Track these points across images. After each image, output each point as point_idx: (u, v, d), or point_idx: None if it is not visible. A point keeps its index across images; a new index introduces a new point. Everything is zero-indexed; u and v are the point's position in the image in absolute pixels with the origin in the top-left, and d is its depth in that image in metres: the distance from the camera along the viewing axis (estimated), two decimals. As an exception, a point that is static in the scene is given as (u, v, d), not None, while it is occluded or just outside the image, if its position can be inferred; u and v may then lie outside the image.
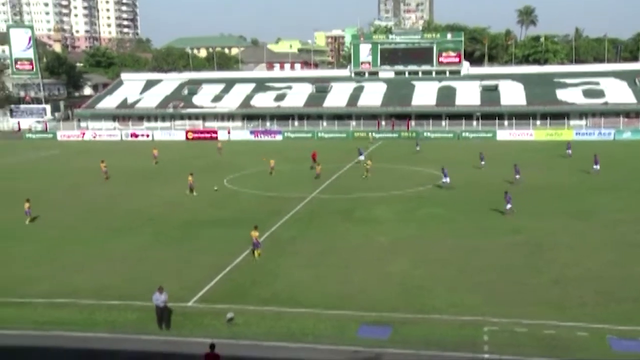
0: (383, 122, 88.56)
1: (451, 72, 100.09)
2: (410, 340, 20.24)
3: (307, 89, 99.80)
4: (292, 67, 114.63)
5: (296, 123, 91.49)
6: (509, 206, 36.18)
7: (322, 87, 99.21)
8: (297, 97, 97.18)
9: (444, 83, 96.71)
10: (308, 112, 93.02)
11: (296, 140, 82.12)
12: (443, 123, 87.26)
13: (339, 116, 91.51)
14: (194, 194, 44.57)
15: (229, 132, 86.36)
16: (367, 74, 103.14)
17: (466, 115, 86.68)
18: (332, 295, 24.40)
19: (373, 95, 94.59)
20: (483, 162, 54.68)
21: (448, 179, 44.62)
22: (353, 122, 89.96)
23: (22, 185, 50.63)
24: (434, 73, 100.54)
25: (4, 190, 48.56)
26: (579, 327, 20.89)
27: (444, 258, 28.97)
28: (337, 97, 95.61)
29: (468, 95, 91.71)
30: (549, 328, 20.90)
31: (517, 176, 45.58)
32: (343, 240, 32.35)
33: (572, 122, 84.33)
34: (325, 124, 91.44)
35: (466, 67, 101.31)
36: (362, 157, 57.00)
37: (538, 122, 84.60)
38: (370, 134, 79.39)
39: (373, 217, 37.38)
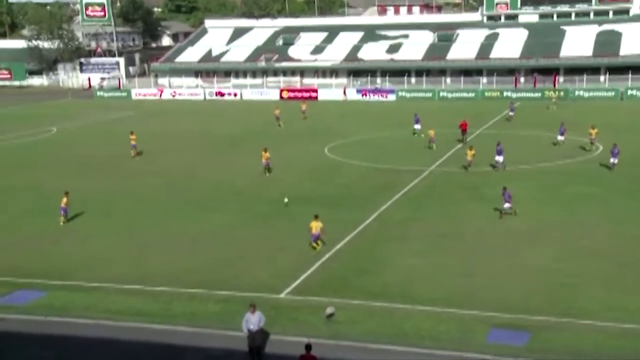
0: (522, 79, 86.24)
1: (616, 13, 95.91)
2: (553, 350, 19.78)
3: (428, 37, 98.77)
4: (409, 11, 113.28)
5: (413, 80, 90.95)
6: (506, 205, 32.91)
7: (445, 36, 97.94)
8: (414, 48, 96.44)
9: (605, 27, 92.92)
10: (428, 67, 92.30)
11: (412, 101, 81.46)
12: (602, 78, 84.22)
13: (466, 71, 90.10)
14: (267, 175, 43.29)
15: (344, 92, 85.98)
16: (503, 18, 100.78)
17: (634, 68, 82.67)
18: (454, 290, 24.23)
19: (510, 45, 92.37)
20: (562, 137, 49.49)
21: (501, 158, 42.42)
22: (484, 79, 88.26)
23: (92, 152, 53.54)
24: (592, 14, 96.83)
25: (74, 158, 51.38)
26: None
27: (598, 249, 28.07)
28: (464, 48, 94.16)
29: (639, 41, 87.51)
30: None
31: (612, 159, 42.56)
32: (468, 223, 32.01)
33: None
34: (449, 80, 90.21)
35: (638, 5, 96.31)
36: (418, 126, 55.67)
37: None
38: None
39: (508, 196, 36.64)
